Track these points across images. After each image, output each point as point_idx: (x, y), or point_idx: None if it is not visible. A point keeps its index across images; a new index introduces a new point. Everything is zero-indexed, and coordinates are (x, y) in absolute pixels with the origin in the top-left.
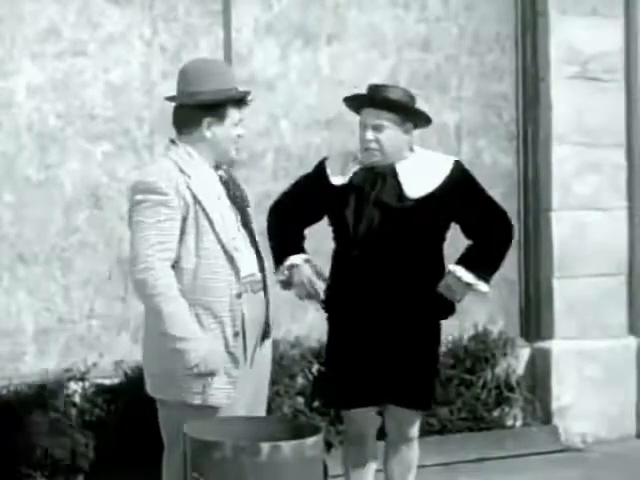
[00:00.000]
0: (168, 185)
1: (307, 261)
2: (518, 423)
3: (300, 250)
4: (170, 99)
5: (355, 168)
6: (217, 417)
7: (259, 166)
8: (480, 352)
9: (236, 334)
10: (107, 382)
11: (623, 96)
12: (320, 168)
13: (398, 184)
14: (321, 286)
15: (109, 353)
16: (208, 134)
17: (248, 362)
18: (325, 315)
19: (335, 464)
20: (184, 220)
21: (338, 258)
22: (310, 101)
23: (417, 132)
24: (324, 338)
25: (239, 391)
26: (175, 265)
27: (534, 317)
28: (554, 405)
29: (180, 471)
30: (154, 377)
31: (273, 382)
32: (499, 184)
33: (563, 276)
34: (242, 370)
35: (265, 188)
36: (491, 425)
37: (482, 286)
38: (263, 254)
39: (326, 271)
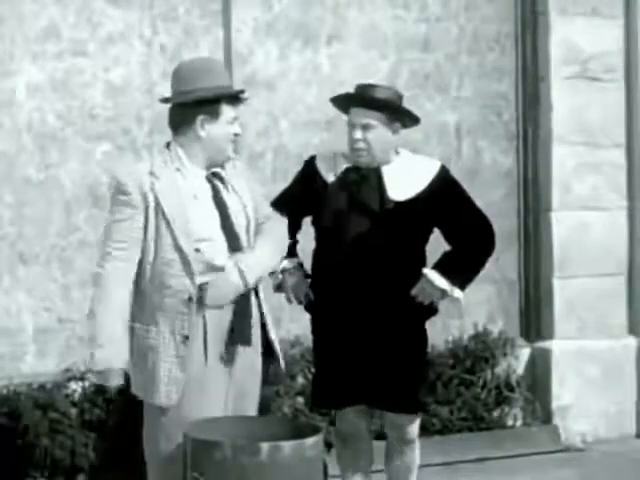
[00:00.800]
0: (133, 185)
1: (299, 265)
2: (518, 423)
3: (292, 253)
4: (164, 100)
5: (342, 168)
6: (217, 417)
7: (258, 166)
8: (480, 352)
9: (185, 338)
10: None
11: (623, 96)
12: (312, 166)
13: (381, 186)
14: (307, 292)
15: None
16: (202, 133)
17: (217, 368)
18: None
19: (335, 464)
20: (146, 220)
21: (318, 258)
22: (310, 101)
23: (419, 133)
24: None
25: (208, 396)
26: (140, 262)
27: (534, 317)
28: (554, 405)
29: (158, 467)
30: (132, 373)
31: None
32: (499, 184)
33: (563, 276)
34: (209, 375)
35: (264, 188)
36: (491, 425)
37: (456, 292)
38: None
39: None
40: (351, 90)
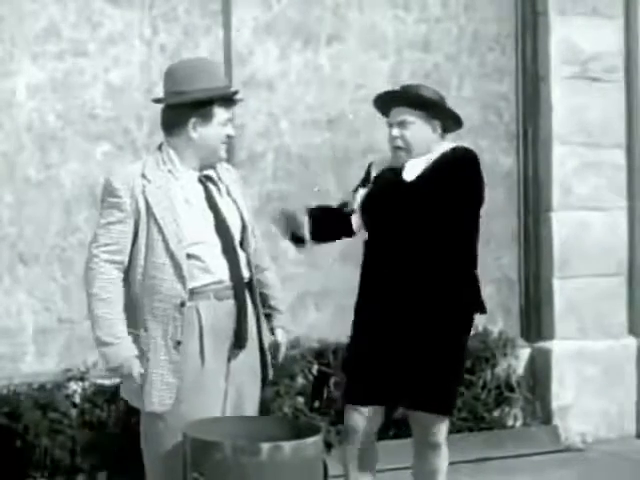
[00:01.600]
0: (124, 188)
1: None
2: (518, 423)
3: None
4: (157, 101)
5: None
6: (217, 417)
7: (259, 166)
8: (480, 352)
9: (178, 343)
10: (107, 382)
11: (623, 96)
12: (367, 172)
13: (400, 173)
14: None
15: None
16: (194, 135)
17: (214, 370)
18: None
19: (335, 464)
20: (136, 224)
21: (364, 261)
22: (310, 101)
23: None
24: (324, 338)
25: (205, 399)
26: (129, 266)
27: (534, 317)
28: (554, 405)
29: (156, 471)
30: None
31: (273, 382)
32: (499, 184)
33: (563, 276)
34: (205, 378)
35: (265, 189)
36: (491, 425)
37: None
38: (244, 262)
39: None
40: (353, 90)
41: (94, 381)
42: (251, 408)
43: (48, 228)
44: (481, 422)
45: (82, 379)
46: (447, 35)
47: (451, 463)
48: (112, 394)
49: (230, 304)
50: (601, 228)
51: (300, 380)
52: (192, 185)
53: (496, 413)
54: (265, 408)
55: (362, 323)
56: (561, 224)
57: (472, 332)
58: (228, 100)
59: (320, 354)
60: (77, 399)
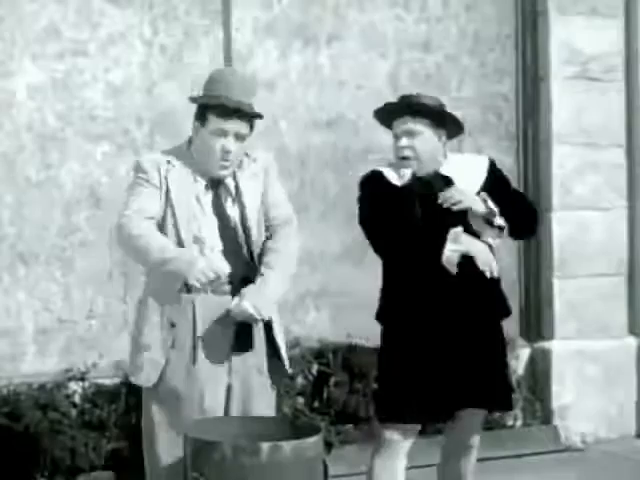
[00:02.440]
0: (152, 166)
1: None
2: (518, 423)
3: None
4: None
5: (408, 174)
6: (217, 417)
7: None
8: None
9: (172, 325)
10: (107, 382)
11: (623, 96)
12: (376, 179)
13: (449, 185)
14: None
15: (109, 353)
16: (194, 137)
17: (206, 363)
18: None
19: (335, 464)
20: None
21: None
22: (310, 101)
23: None
24: (324, 338)
25: (198, 385)
26: None
27: (534, 317)
28: (554, 405)
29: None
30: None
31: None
32: None
33: (563, 276)
34: (200, 365)
35: None
36: (491, 425)
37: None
38: (246, 262)
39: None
40: (353, 90)
41: (94, 381)
42: (264, 403)
43: (48, 228)
44: None
45: (82, 379)
46: (447, 35)
47: None
48: (112, 394)
49: (228, 300)
50: (601, 228)
51: (300, 380)
52: (203, 186)
53: (496, 413)
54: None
55: (416, 340)
56: (561, 224)
57: None
58: (226, 111)
59: (320, 354)
60: (77, 399)
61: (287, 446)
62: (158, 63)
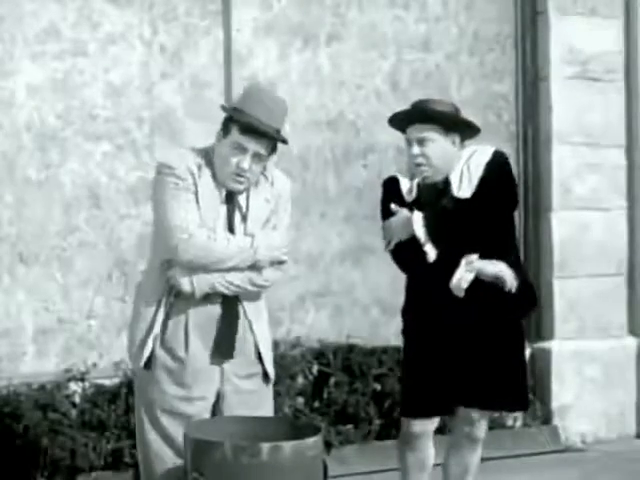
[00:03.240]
0: (186, 171)
1: None
2: (518, 423)
3: None
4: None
5: (416, 182)
6: (218, 417)
7: None
8: None
9: (167, 316)
10: (107, 382)
11: (623, 96)
12: (392, 186)
13: (447, 190)
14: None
15: (109, 353)
16: (217, 146)
17: (198, 363)
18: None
19: (335, 464)
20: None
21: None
22: (310, 101)
23: None
24: (324, 338)
25: (187, 375)
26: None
27: (534, 317)
28: (554, 405)
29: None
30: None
31: (274, 382)
32: None
33: (563, 276)
34: (191, 359)
35: None
36: (491, 425)
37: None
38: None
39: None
40: (354, 89)
41: (94, 381)
42: (252, 408)
43: (48, 228)
44: None
45: (82, 379)
46: (447, 35)
47: None
48: (112, 394)
49: (213, 310)
50: (601, 228)
51: (300, 380)
52: (222, 197)
53: (496, 413)
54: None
55: (427, 337)
56: (561, 224)
57: None
58: (249, 129)
59: (320, 354)
60: (77, 399)
61: (287, 446)
62: (158, 63)
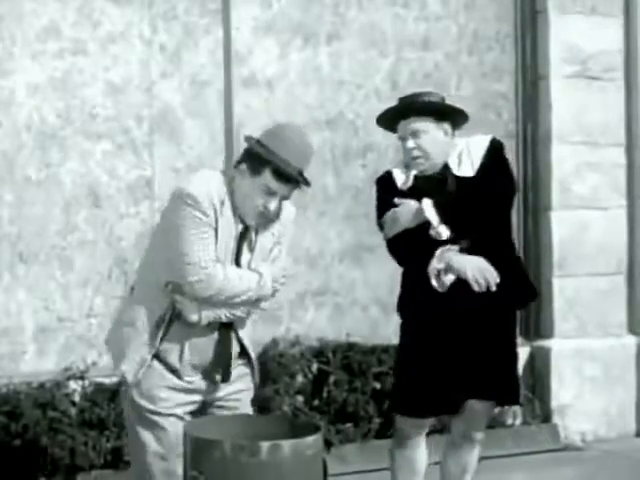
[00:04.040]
0: (209, 205)
1: None
2: (518, 422)
3: None
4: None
5: (413, 174)
6: (217, 417)
7: None
8: None
9: (162, 321)
10: (107, 381)
11: (623, 96)
12: (385, 181)
13: (448, 171)
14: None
15: (108, 352)
16: (240, 180)
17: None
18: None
19: (335, 463)
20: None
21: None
22: (310, 100)
23: None
24: (324, 337)
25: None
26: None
27: (534, 316)
28: (554, 404)
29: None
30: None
31: (273, 381)
32: None
33: (563, 275)
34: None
35: None
36: (491, 424)
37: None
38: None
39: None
40: (354, 89)
41: (94, 380)
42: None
43: (48, 227)
44: None
45: (82, 378)
46: (447, 34)
47: None
48: (112, 393)
49: (215, 334)
50: (600, 227)
51: (299, 379)
52: (238, 231)
53: (496, 412)
54: (265, 407)
55: (423, 329)
56: (560, 223)
57: None
58: (283, 175)
59: (319, 353)
60: (77, 398)
61: (286, 445)
62: (158, 62)
